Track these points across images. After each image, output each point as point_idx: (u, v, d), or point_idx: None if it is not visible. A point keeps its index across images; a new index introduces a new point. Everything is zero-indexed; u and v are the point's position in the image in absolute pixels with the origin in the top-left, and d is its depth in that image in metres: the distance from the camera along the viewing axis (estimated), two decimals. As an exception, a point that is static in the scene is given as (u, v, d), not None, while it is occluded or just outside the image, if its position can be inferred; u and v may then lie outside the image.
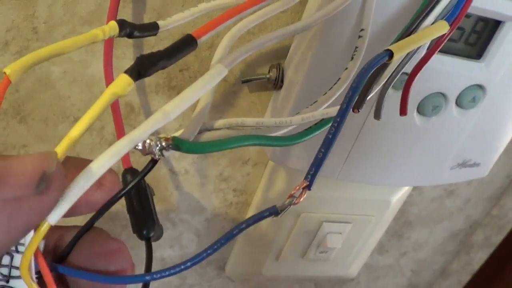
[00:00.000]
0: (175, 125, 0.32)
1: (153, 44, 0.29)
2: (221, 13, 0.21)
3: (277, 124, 0.21)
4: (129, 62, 0.29)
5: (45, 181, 0.15)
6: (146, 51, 0.29)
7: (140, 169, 0.20)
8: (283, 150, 0.30)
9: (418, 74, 0.22)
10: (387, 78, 0.21)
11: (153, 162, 0.19)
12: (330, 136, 0.17)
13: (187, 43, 0.19)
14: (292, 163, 0.31)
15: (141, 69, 0.17)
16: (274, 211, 0.18)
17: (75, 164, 0.17)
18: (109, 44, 0.27)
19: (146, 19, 0.28)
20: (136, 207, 0.28)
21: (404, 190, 0.40)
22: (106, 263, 0.20)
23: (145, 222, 0.28)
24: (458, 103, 0.30)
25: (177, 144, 0.17)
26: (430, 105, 0.29)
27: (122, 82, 0.17)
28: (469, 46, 0.28)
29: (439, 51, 0.22)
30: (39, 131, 0.30)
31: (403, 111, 0.23)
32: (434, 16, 0.21)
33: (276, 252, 0.40)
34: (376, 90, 0.21)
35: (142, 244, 0.28)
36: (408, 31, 0.21)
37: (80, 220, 0.21)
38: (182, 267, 0.18)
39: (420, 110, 0.29)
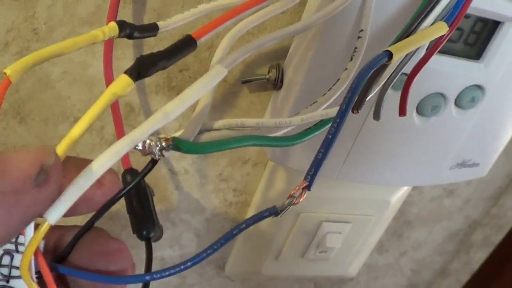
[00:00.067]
0: (175, 125, 0.32)
1: (153, 45, 0.29)
2: (220, 14, 0.21)
3: (276, 125, 0.21)
4: (129, 62, 0.29)
5: (43, 174, 0.15)
6: (146, 51, 0.29)
7: (140, 169, 0.20)
8: (283, 150, 0.30)
9: (418, 75, 0.22)
10: (387, 78, 0.21)
11: (153, 162, 0.19)
12: (330, 137, 0.17)
13: (187, 44, 0.19)
14: (292, 163, 0.31)
15: (141, 69, 0.17)
16: (274, 211, 0.18)
17: (75, 164, 0.17)
18: (109, 44, 0.27)
19: (146, 20, 0.28)
20: (136, 207, 0.28)
21: (404, 190, 0.40)
22: (106, 263, 0.20)
23: (145, 222, 0.28)
24: (457, 103, 0.30)
25: (177, 145, 0.17)
26: (429, 105, 0.29)
27: (122, 83, 0.17)
28: (468, 47, 0.28)
29: (438, 51, 0.22)
30: (39, 131, 0.30)
31: (402, 111, 0.23)
32: (434, 17, 0.21)
33: (275, 252, 0.40)
34: (375, 91, 0.21)
35: (142, 244, 0.28)
36: (408, 32, 0.21)
37: (80, 220, 0.21)
38: (182, 267, 0.18)
39: (419, 110, 0.29)
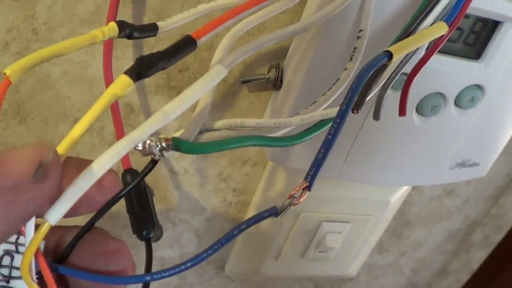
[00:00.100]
0: (175, 125, 0.32)
1: (152, 45, 0.29)
2: (220, 14, 0.21)
3: (276, 125, 0.21)
4: (128, 62, 0.29)
5: (42, 170, 0.15)
6: (146, 51, 0.29)
7: (140, 170, 0.20)
8: (282, 150, 0.30)
9: (417, 75, 0.22)
10: (386, 78, 0.21)
11: (153, 162, 0.19)
12: (330, 137, 0.17)
13: (186, 44, 0.19)
14: (291, 163, 0.31)
15: (140, 69, 0.17)
16: (274, 212, 0.18)
17: (75, 165, 0.17)
18: (108, 45, 0.27)
19: (146, 20, 0.28)
20: (136, 207, 0.28)
21: (404, 190, 0.40)
22: (106, 263, 0.20)
23: (145, 222, 0.28)
24: (457, 103, 0.30)
25: (177, 145, 0.17)
26: (429, 105, 0.29)
27: (122, 83, 0.17)
28: (468, 47, 0.28)
29: (438, 51, 0.22)
30: (39, 131, 0.30)
31: (402, 111, 0.23)
32: (433, 17, 0.21)
33: (275, 252, 0.40)
34: (375, 91, 0.21)
35: (142, 244, 0.28)
36: (407, 32, 0.21)
37: (81, 220, 0.21)
38: (182, 267, 0.18)
39: (419, 110, 0.29)
